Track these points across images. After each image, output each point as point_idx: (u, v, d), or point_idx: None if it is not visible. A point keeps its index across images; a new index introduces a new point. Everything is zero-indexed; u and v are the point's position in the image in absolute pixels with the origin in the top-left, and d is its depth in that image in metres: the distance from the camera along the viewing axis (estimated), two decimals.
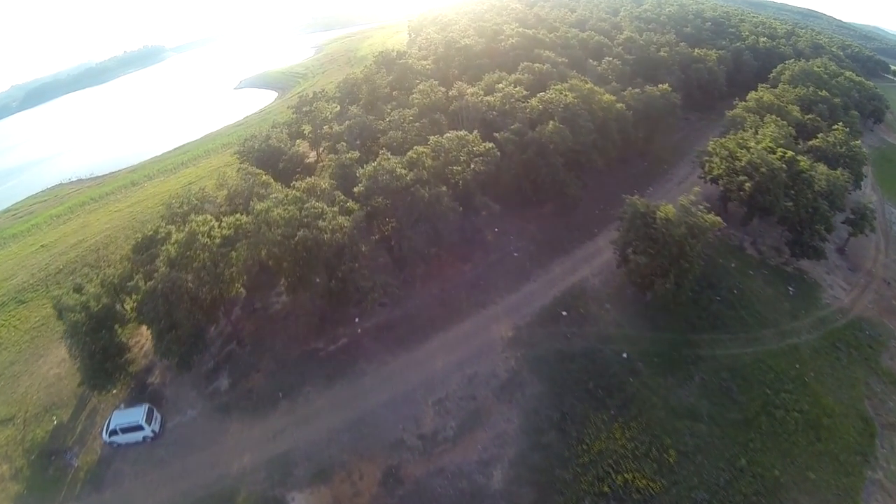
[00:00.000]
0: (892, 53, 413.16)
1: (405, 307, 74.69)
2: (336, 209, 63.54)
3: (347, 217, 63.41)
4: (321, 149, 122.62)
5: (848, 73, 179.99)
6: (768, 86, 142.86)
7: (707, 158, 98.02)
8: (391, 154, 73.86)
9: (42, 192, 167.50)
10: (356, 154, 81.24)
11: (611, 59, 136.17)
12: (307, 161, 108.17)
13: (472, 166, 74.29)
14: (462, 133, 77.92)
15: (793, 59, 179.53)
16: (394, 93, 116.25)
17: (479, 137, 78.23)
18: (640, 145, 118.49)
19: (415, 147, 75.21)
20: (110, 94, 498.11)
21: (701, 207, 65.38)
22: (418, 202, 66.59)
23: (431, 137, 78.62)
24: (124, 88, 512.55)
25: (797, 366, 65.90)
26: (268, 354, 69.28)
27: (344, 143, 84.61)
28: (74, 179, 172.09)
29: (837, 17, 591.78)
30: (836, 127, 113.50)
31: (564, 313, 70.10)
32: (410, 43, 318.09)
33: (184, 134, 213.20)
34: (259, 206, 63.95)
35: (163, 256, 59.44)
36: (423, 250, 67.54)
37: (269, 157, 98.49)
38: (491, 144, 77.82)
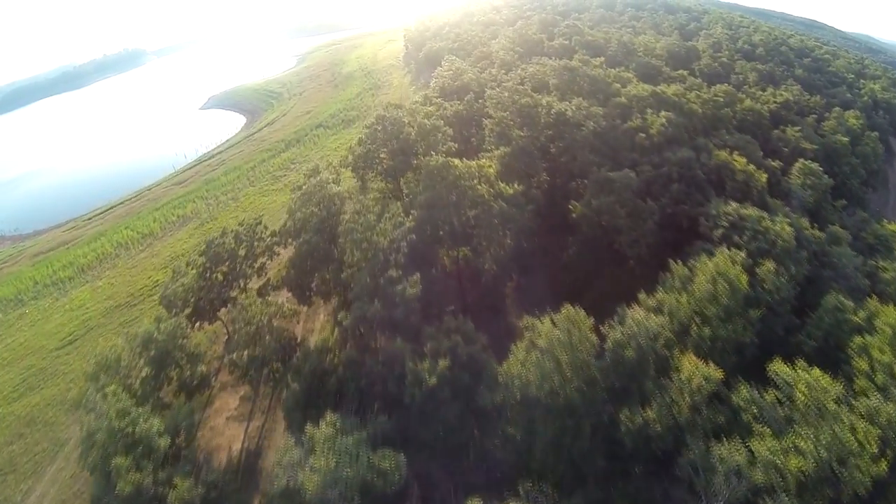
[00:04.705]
0: None
1: None
2: None
3: None
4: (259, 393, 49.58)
5: None
6: None
7: None
8: None
9: None
10: None
11: (805, 163, 66.79)
12: None
13: None
14: None
15: None
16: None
17: None
18: None
19: None
20: (79, 104, 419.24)
21: None
22: None
23: None
24: (94, 98, 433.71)
25: None
26: None
27: None
28: None
29: (839, 28, 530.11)
30: None
31: None
32: (408, 57, 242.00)
33: (121, 181, 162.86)
34: None
35: None
36: None
37: None
38: None
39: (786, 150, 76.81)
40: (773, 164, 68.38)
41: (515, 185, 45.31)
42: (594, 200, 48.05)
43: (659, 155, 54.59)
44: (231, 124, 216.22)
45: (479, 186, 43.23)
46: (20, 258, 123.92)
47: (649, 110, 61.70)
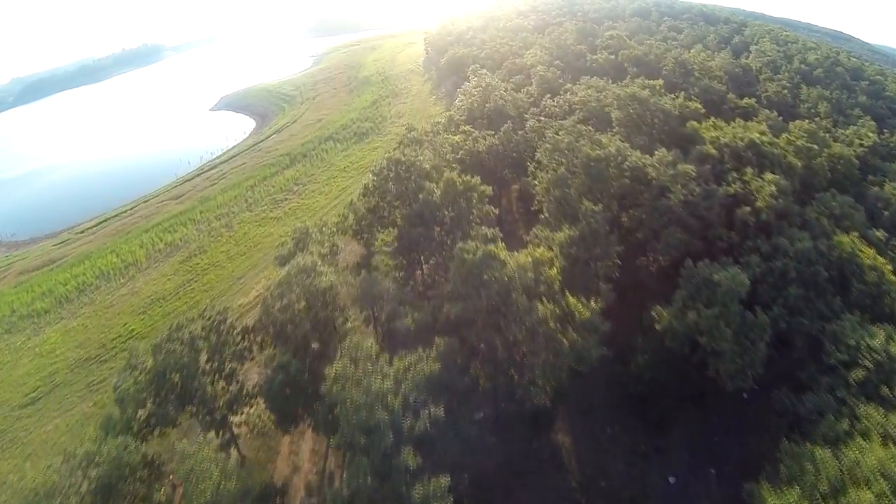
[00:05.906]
0: None
1: None
2: None
3: None
4: None
5: None
6: None
7: None
8: None
9: None
10: None
11: None
12: None
13: None
14: None
15: None
16: None
17: None
18: None
19: None
20: (95, 98, 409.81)
21: None
22: None
23: None
24: (110, 93, 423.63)
25: None
26: None
27: None
28: None
29: (865, 41, 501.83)
30: None
31: None
32: (428, 62, 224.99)
33: (124, 184, 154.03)
34: None
35: None
36: None
37: None
38: None
39: (886, 213, 60.79)
40: (877, 234, 52.87)
41: (593, 303, 30.47)
42: (689, 312, 33.27)
43: (767, 240, 38.86)
44: (239, 128, 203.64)
45: (539, 306, 28.71)
46: (6, 275, 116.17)
47: (749, 169, 46.09)
